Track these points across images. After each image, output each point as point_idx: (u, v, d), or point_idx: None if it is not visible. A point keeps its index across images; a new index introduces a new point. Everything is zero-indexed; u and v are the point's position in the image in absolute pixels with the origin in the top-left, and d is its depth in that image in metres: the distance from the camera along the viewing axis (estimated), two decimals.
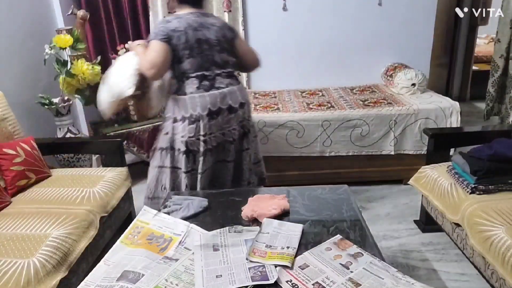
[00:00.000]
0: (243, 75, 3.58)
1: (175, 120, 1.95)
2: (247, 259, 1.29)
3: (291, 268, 1.25)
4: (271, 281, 1.18)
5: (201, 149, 1.92)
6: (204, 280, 1.20)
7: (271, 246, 1.35)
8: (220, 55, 1.94)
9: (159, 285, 1.18)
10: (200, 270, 1.24)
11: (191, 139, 1.91)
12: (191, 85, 1.90)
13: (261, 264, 1.26)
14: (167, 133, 1.99)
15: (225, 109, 1.93)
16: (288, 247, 1.34)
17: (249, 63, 2.11)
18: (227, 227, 1.47)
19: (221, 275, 1.22)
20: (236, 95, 1.96)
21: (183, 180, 1.97)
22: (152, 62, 1.82)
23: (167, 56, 1.84)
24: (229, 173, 2.06)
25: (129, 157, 3.11)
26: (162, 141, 2.01)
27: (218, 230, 1.47)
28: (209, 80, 1.91)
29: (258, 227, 1.48)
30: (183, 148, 1.92)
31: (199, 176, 1.95)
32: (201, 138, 1.90)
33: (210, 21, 1.95)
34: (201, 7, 1.99)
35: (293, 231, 1.45)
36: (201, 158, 1.93)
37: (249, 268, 1.24)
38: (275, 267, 1.24)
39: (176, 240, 1.43)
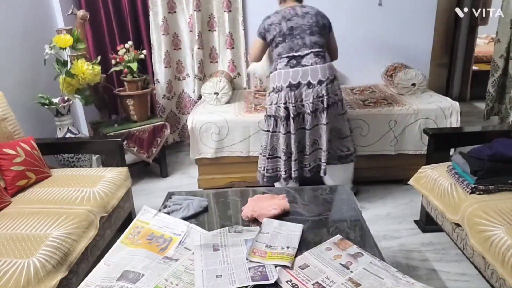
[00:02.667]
0: (243, 75, 3.58)
1: (269, 93, 2.41)
2: (247, 259, 1.29)
3: (291, 268, 1.25)
4: (271, 281, 1.18)
5: (282, 114, 2.30)
6: (204, 280, 1.20)
7: (271, 246, 1.35)
8: (310, 37, 2.28)
9: (159, 285, 1.18)
10: (200, 270, 1.24)
11: (275, 106, 2.33)
12: (281, 63, 2.31)
13: (261, 264, 1.26)
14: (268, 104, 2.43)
15: (304, 84, 2.26)
16: (288, 247, 1.34)
17: (329, 54, 2.41)
18: (227, 227, 1.47)
19: (221, 275, 1.22)
20: (317, 73, 2.26)
21: (269, 139, 2.40)
22: (251, 54, 2.55)
23: (261, 48, 2.44)
24: (309, 139, 2.36)
25: (129, 157, 3.11)
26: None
27: (218, 230, 1.47)
28: (296, 59, 2.28)
29: (258, 227, 1.48)
30: (271, 113, 2.36)
31: (281, 137, 2.35)
32: (282, 105, 2.29)
33: (305, 10, 2.32)
34: (301, 0, 2.40)
35: (293, 231, 1.46)
36: (282, 122, 2.31)
37: (249, 268, 1.24)
38: (275, 267, 1.24)
39: (176, 240, 1.43)
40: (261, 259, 1.28)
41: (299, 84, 2.26)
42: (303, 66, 2.26)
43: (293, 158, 2.38)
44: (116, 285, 1.17)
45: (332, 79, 2.31)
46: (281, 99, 2.29)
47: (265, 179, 2.50)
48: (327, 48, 2.38)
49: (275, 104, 2.33)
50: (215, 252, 1.34)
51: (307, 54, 2.27)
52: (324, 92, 2.26)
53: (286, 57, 2.29)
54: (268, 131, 2.40)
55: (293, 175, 2.41)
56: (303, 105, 2.29)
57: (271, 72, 2.43)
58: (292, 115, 2.29)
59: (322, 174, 2.44)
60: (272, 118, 2.37)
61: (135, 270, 1.23)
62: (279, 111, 2.32)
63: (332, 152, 2.46)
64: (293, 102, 2.27)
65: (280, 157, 2.42)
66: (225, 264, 1.27)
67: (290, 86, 2.27)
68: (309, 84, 2.26)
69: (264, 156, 2.46)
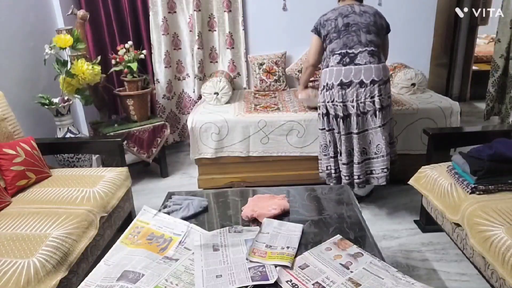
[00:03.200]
0: (243, 75, 3.58)
1: (320, 91, 2.37)
2: (247, 259, 1.29)
3: (291, 268, 1.25)
4: (271, 281, 1.18)
5: (333, 112, 2.29)
6: (204, 280, 1.20)
7: (271, 246, 1.35)
8: (366, 35, 2.24)
9: (159, 285, 1.18)
10: (200, 270, 1.24)
11: (326, 104, 2.32)
12: (334, 60, 2.26)
13: (261, 264, 1.26)
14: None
15: (356, 83, 2.20)
16: (288, 247, 1.34)
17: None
18: (227, 227, 1.47)
19: (221, 275, 1.22)
20: (370, 72, 2.20)
21: (327, 137, 2.39)
22: (309, 55, 2.47)
23: (317, 45, 2.36)
24: (357, 146, 2.30)
25: (129, 157, 3.11)
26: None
27: (218, 230, 1.47)
28: (350, 57, 2.22)
29: (258, 227, 1.48)
30: (323, 111, 2.35)
31: (337, 135, 2.33)
32: (330, 104, 2.28)
33: (363, 9, 2.29)
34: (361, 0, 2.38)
35: (293, 231, 1.46)
36: (334, 120, 2.30)
37: (249, 268, 1.24)
38: (275, 267, 1.24)
39: (176, 240, 1.43)
40: (261, 259, 1.28)
41: (351, 82, 2.21)
42: (356, 64, 2.20)
43: (344, 160, 2.32)
44: (116, 285, 1.17)
45: (385, 80, 2.25)
46: (331, 97, 2.26)
47: (333, 180, 2.44)
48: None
49: (327, 102, 2.30)
50: (215, 252, 1.34)
51: (361, 52, 2.21)
52: (376, 92, 2.20)
53: (339, 54, 2.23)
54: (324, 129, 2.39)
55: (343, 181, 2.35)
56: (353, 106, 2.23)
57: (321, 69, 2.39)
58: (341, 115, 2.25)
59: (381, 182, 2.31)
60: (325, 117, 2.35)
61: (135, 270, 1.23)
62: (331, 110, 2.30)
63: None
64: (341, 101, 2.23)
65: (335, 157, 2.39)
66: (225, 264, 1.27)
67: (342, 84, 2.22)
68: (361, 83, 2.20)
69: (326, 155, 2.45)
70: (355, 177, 2.34)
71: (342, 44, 2.24)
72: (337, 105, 2.25)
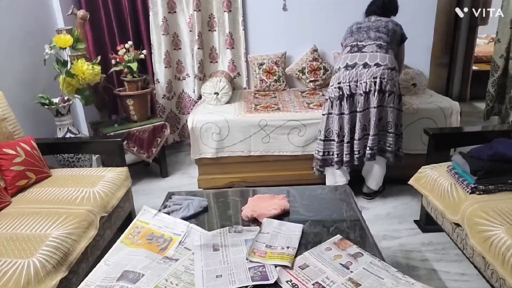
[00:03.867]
0: (243, 75, 3.58)
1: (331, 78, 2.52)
2: (247, 259, 1.29)
3: (291, 268, 1.25)
4: (271, 281, 1.18)
5: (336, 94, 2.42)
6: (204, 280, 1.20)
7: (271, 246, 1.35)
8: (376, 33, 2.43)
9: (159, 285, 1.18)
10: (200, 270, 1.24)
11: (331, 87, 2.46)
12: (344, 51, 2.51)
13: (261, 264, 1.26)
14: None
15: (360, 64, 2.36)
16: (288, 247, 1.34)
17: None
18: (227, 227, 1.47)
19: (221, 275, 1.22)
20: (375, 57, 2.36)
21: (324, 122, 2.52)
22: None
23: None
24: (359, 123, 2.43)
25: (129, 157, 3.11)
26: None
27: (218, 230, 1.47)
28: (358, 47, 2.44)
29: (258, 227, 1.48)
30: (330, 95, 2.47)
31: (335, 118, 2.46)
32: (336, 85, 2.42)
33: (378, 18, 2.51)
34: (383, 15, 2.54)
35: (293, 231, 1.46)
36: (336, 103, 2.43)
37: (249, 268, 1.24)
38: (275, 267, 1.24)
39: (176, 240, 1.43)
40: (261, 259, 1.28)
41: (355, 64, 2.37)
42: (362, 52, 2.39)
43: (345, 140, 2.46)
44: (116, 285, 1.17)
45: (391, 67, 2.35)
46: (336, 79, 2.42)
47: (319, 164, 2.60)
48: (395, 57, 2.46)
49: (331, 86, 2.46)
50: (215, 252, 1.34)
51: (369, 44, 2.40)
52: (379, 74, 2.32)
53: (350, 45, 2.47)
54: (324, 114, 2.52)
55: (344, 159, 2.49)
56: (356, 86, 2.37)
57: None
58: (346, 95, 2.38)
59: (366, 159, 2.49)
60: (328, 100, 2.48)
61: (135, 270, 1.23)
62: (333, 92, 2.43)
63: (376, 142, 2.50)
64: (347, 81, 2.37)
65: (334, 140, 2.51)
66: (225, 264, 1.27)
67: (346, 66, 2.39)
68: (365, 65, 2.35)
69: (319, 139, 2.58)
70: (355, 152, 2.48)
71: (353, 39, 2.47)
72: (342, 86, 2.39)
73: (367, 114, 2.42)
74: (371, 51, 2.37)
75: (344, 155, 2.49)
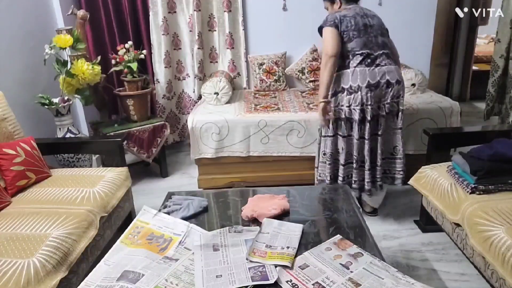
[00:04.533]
0: (243, 75, 3.58)
1: (335, 93, 2.26)
2: (247, 259, 1.29)
3: (291, 268, 1.25)
4: (271, 281, 1.18)
5: (357, 117, 2.20)
6: (204, 280, 1.20)
7: (271, 246, 1.35)
8: (381, 38, 2.25)
9: (159, 285, 1.18)
10: (200, 270, 1.24)
11: (348, 108, 2.21)
12: (355, 60, 2.19)
13: (261, 264, 1.26)
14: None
15: (384, 83, 2.18)
16: (288, 247, 1.34)
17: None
18: (227, 227, 1.47)
19: (221, 275, 1.22)
20: (394, 73, 2.21)
21: (338, 143, 2.31)
22: (328, 47, 2.18)
23: (338, 38, 2.18)
24: (380, 146, 2.28)
25: (129, 157, 3.11)
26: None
27: (218, 230, 1.47)
28: (371, 59, 2.19)
29: (258, 227, 1.48)
30: (342, 116, 2.24)
31: (355, 142, 2.25)
32: (358, 108, 2.18)
33: (371, 13, 2.30)
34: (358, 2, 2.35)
35: (293, 231, 1.45)
36: (356, 126, 2.21)
37: (249, 268, 1.24)
38: (275, 267, 1.24)
39: (176, 240, 1.43)
40: (261, 259, 1.28)
41: (378, 83, 2.16)
42: (377, 66, 2.18)
43: (366, 167, 2.28)
44: (116, 285, 1.17)
45: (402, 81, 2.25)
46: (357, 100, 2.17)
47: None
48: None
49: (352, 106, 2.19)
50: (215, 252, 1.34)
51: (380, 54, 2.21)
52: (401, 92, 2.23)
53: (360, 54, 2.18)
54: (333, 135, 2.30)
55: (366, 187, 2.32)
56: (378, 107, 2.21)
57: (337, 71, 2.26)
58: (368, 118, 2.19)
59: (398, 183, 2.35)
60: (341, 122, 2.25)
61: (135, 270, 1.23)
62: (355, 113, 2.20)
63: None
64: (372, 103, 2.17)
65: (339, 160, 2.33)
66: (225, 264, 1.27)
67: (369, 86, 2.15)
68: (388, 83, 2.18)
69: (330, 163, 2.35)
70: (366, 182, 2.31)
71: (363, 44, 2.18)
72: (365, 109, 2.18)
73: (390, 136, 2.30)
74: (385, 64, 2.19)
75: (366, 182, 2.31)
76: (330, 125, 2.29)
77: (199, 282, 1.19)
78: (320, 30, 2.26)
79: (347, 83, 2.20)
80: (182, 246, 1.40)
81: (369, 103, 2.17)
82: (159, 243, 1.41)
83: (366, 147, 2.25)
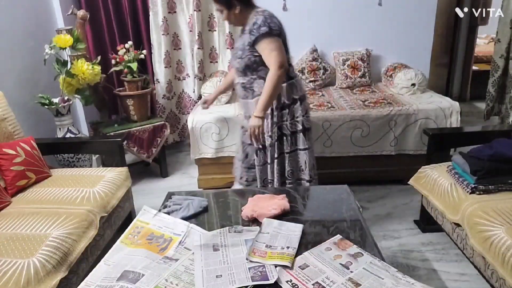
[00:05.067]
0: None
1: (287, 106, 2.01)
2: (247, 259, 1.29)
3: (291, 268, 1.25)
4: (271, 281, 1.18)
5: (288, 130, 2.04)
6: (204, 280, 1.20)
7: (271, 246, 1.35)
8: None
9: (159, 285, 1.18)
10: (200, 270, 1.24)
11: (306, 117, 2.06)
12: (292, 70, 2.07)
13: (261, 264, 1.26)
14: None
15: (305, 95, 2.11)
16: (288, 247, 1.34)
17: None
18: (227, 227, 1.47)
19: (221, 275, 1.22)
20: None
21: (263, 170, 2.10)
22: (282, 59, 1.90)
23: (282, 46, 1.95)
24: (289, 167, 2.13)
25: (129, 157, 3.11)
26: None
27: (218, 230, 1.47)
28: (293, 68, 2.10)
29: (258, 227, 1.48)
30: (300, 128, 2.05)
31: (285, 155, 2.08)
32: (302, 118, 2.04)
33: None
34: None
35: (293, 231, 1.45)
36: (301, 136, 2.06)
37: (249, 268, 1.24)
38: (275, 267, 1.24)
39: (176, 240, 1.43)
40: (261, 259, 1.28)
41: (305, 95, 2.10)
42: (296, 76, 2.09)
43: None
44: (116, 285, 1.17)
45: None
46: (304, 110, 2.05)
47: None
48: None
49: (304, 115, 2.05)
50: (215, 252, 1.34)
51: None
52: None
53: (290, 64, 2.04)
54: (266, 163, 2.07)
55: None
56: (305, 120, 2.07)
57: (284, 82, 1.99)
58: (300, 129, 2.05)
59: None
60: (306, 132, 2.07)
61: (135, 270, 1.23)
62: (309, 122, 2.08)
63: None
64: (305, 114, 2.06)
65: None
66: (225, 264, 1.27)
67: (305, 97, 2.08)
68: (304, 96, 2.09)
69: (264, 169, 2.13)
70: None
71: (288, 55, 2.04)
72: (304, 119, 2.04)
73: (295, 156, 2.14)
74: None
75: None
76: (275, 144, 2.04)
77: (199, 282, 1.19)
78: (260, 37, 1.89)
79: (298, 93, 2.03)
80: (182, 246, 1.40)
81: (304, 113, 2.05)
82: (159, 243, 1.41)
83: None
